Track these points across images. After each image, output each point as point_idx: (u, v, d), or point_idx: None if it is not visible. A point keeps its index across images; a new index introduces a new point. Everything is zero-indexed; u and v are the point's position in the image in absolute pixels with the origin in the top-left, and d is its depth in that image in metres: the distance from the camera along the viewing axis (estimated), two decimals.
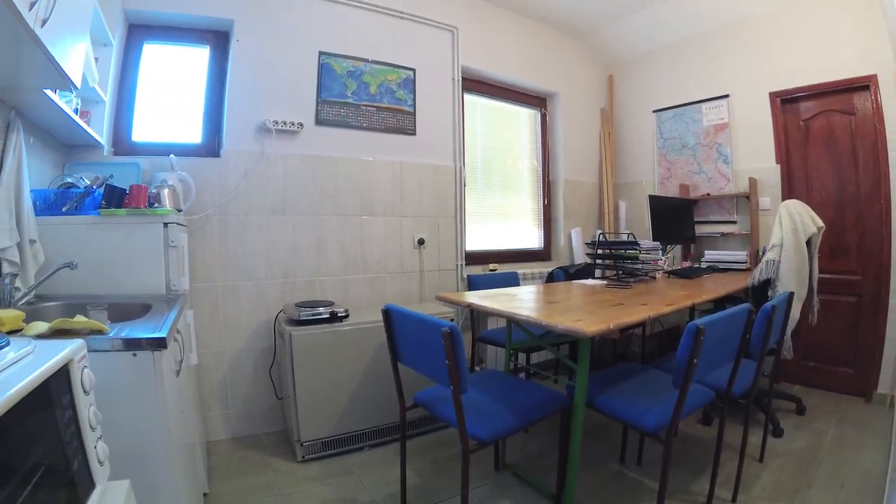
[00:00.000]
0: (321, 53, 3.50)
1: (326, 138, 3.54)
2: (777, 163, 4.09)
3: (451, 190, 4.08)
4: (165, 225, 2.28)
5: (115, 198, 2.37)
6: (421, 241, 3.91)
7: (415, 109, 3.91)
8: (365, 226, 3.67)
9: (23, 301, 1.97)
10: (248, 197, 3.25)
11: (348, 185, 3.61)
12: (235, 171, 3.21)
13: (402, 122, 3.84)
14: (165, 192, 2.66)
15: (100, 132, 2.75)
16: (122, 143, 3.05)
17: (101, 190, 2.38)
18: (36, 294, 2.06)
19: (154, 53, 3.18)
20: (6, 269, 1.97)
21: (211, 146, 3.25)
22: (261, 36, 3.30)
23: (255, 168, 3.26)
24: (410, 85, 3.89)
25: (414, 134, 3.91)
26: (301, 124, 3.41)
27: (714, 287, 3.14)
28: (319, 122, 3.50)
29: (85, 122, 2.55)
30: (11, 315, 1.57)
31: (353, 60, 3.63)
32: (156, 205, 2.55)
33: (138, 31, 3.12)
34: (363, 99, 3.66)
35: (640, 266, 3.48)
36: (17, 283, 1.98)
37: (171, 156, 2.95)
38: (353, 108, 3.62)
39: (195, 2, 3.13)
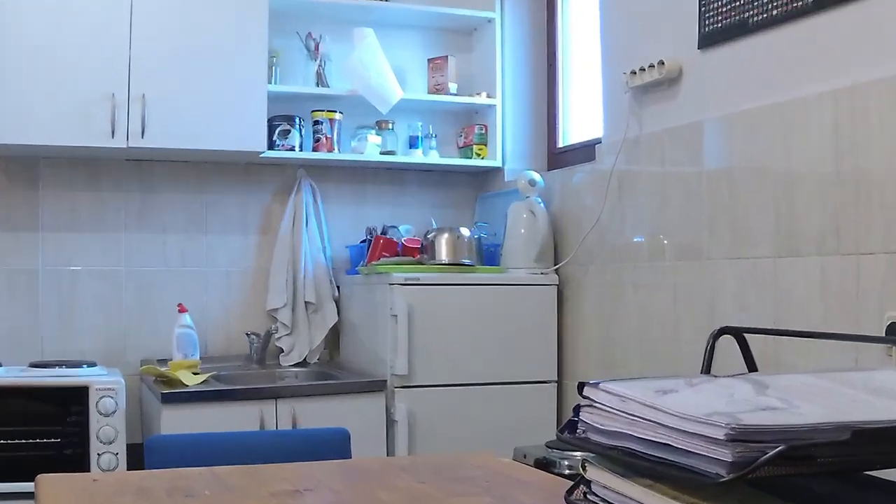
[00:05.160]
0: None
1: (718, 77, 1.66)
2: None
3: None
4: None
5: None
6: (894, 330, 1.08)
7: None
8: (782, 277, 1.45)
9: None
10: (620, 229, 2.01)
11: (750, 177, 1.53)
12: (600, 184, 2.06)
13: None
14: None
15: None
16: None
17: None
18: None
19: None
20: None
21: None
22: None
23: (627, 171, 1.97)
24: None
25: None
26: (661, 61, 1.75)
27: None
28: (704, 43, 1.66)
29: None
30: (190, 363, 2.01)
31: None
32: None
33: None
34: None
35: None
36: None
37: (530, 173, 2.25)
38: None
39: None
